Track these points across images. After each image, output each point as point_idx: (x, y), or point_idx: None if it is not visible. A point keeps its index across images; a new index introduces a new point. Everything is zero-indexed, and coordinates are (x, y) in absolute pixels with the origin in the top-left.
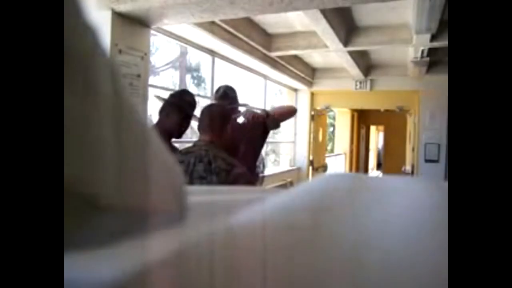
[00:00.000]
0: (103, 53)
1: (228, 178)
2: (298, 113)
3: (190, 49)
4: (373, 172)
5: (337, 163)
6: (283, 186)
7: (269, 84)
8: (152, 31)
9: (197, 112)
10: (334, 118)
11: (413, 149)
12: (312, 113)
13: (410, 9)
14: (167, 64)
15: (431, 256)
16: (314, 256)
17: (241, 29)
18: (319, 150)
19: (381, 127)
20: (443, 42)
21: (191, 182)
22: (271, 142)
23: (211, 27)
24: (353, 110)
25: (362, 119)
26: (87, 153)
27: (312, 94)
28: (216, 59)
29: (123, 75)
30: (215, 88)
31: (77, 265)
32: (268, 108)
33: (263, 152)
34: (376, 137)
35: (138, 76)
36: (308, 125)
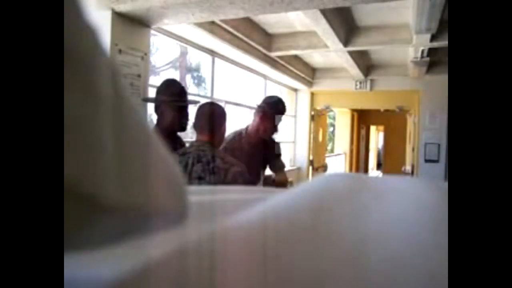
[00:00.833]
0: (103, 53)
1: (227, 176)
2: (298, 113)
3: (190, 49)
4: (373, 172)
5: (337, 163)
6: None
7: (269, 84)
8: (152, 31)
9: (190, 97)
10: (334, 118)
11: (413, 149)
12: (312, 113)
13: (410, 9)
14: (167, 64)
15: (431, 256)
16: (314, 256)
17: (241, 29)
18: (319, 150)
19: (381, 127)
20: (443, 42)
21: (189, 182)
22: None
23: (211, 27)
24: (353, 110)
25: (362, 119)
26: (87, 153)
27: (312, 94)
28: (216, 59)
29: (124, 75)
30: (215, 88)
31: (77, 265)
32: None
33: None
34: (376, 137)
35: (138, 76)
36: (308, 125)
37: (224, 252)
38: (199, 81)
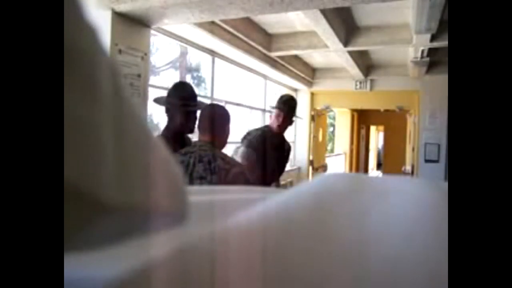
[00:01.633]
0: (103, 53)
1: (228, 177)
2: (298, 113)
3: (190, 49)
4: (373, 172)
5: (337, 163)
6: (283, 186)
7: (269, 84)
8: (152, 31)
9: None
10: (334, 118)
11: (413, 149)
12: (312, 113)
13: (410, 9)
14: (167, 64)
15: (431, 256)
16: (314, 256)
17: (241, 29)
18: (319, 150)
19: (381, 127)
20: (443, 42)
21: (191, 182)
22: None
23: (211, 27)
24: (353, 110)
25: (362, 119)
26: (87, 153)
27: (312, 94)
28: (216, 59)
29: (124, 75)
30: (215, 88)
31: (78, 265)
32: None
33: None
34: (376, 137)
35: (138, 76)
36: (308, 125)
37: (224, 252)
38: (199, 81)
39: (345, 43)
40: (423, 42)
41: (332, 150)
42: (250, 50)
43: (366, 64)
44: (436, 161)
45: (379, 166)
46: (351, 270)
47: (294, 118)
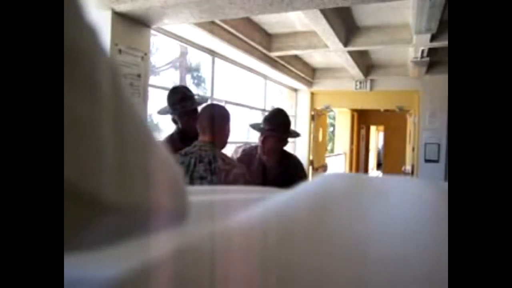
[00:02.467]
0: (103, 53)
1: (228, 178)
2: (298, 113)
3: (190, 49)
4: (373, 172)
5: (337, 163)
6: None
7: (269, 84)
8: (152, 31)
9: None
10: (334, 118)
11: (413, 149)
12: (312, 113)
13: (410, 9)
14: (167, 64)
15: (431, 255)
16: (314, 255)
17: (241, 29)
18: (319, 150)
19: (381, 127)
20: (443, 42)
21: (191, 182)
22: None
23: (211, 27)
24: (353, 110)
25: (362, 119)
26: (87, 153)
27: (312, 94)
28: (216, 59)
29: (123, 75)
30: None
31: (77, 265)
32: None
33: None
34: (376, 137)
35: (138, 76)
36: (308, 125)
37: (225, 252)
38: (199, 81)
39: (345, 43)
40: (423, 42)
41: (332, 150)
42: (250, 50)
43: (366, 64)
44: (436, 161)
45: (379, 166)
46: (351, 269)
47: (288, 136)
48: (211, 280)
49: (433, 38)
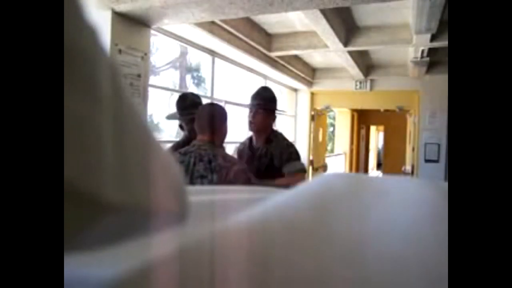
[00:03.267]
0: (103, 53)
1: (229, 175)
2: (298, 113)
3: (190, 49)
4: (373, 172)
5: (337, 163)
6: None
7: (269, 84)
8: (152, 31)
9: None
10: (334, 118)
11: (413, 149)
12: (312, 113)
13: (410, 9)
14: (167, 64)
15: (431, 255)
16: (314, 255)
17: (241, 29)
18: (319, 150)
19: (381, 127)
20: (443, 42)
21: (192, 181)
22: None
23: (211, 27)
24: (353, 110)
25: (362, 119)
26: (87, 153)
27: (312, 94)
28: (216, 59)
29: (124, 75)
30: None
31: (77, 265)
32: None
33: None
34: (376, 137)
35: (138, 76)
36: (308, 125)
37: (225, 252)
38: (199, 81)
39: (345, 43)
40: (423, 42)
41: (332, 150)
42: (250, 50)
43: (366, 64)
44: (436, 161)
45: (379, 166)
46: (351, 269)
47: (276, 112)
48: (211, 280)
49: (433, 38)
